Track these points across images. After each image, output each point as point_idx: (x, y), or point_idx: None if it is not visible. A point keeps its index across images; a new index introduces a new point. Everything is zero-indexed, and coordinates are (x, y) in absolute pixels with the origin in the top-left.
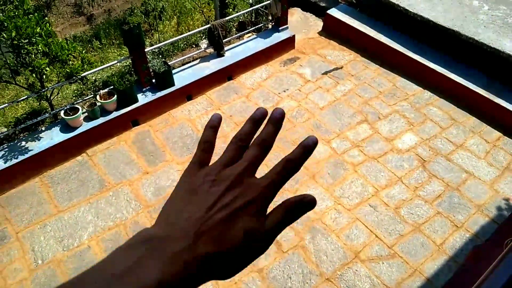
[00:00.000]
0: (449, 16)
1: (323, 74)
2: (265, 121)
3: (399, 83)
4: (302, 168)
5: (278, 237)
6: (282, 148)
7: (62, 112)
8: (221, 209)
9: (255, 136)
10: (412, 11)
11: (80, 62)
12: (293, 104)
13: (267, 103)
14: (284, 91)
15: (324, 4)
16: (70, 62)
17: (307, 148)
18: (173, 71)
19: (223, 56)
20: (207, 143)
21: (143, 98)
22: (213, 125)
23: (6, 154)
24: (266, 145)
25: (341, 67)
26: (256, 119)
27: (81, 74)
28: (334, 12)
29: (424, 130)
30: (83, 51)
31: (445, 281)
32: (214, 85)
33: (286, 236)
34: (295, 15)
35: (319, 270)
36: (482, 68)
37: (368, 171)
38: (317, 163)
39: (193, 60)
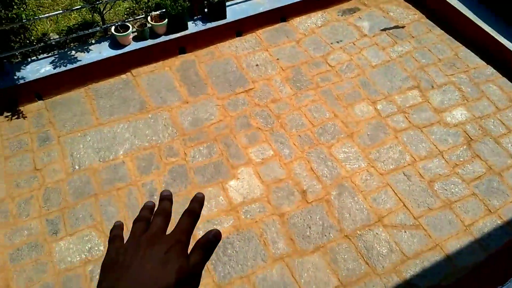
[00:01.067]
0: None
1: (381, 30)
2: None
3: (462, 54)
4: (341, 124)
5: (305, 187)
6: (325, 101)
7: (112, 28)
8: (151, 259)
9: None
10: None
11: None
12: (344, 57)
13: (317, 52)
14: (338, 42)
15: None
16: None
17: (200, 202)
18: (227, 4)
19: None
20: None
21: (193, 27)
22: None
23: (56, 60)
24: (166, 214)
25: (403, 27)
26: (150, 207)
27: None
28: None
29: (477, 108)
30: None
31: (468, 263)
32: (266, 24)
33: (313, 187)
34: None
35: (339, 226)
36: None
37: (409, 139)
38: (358, 123)
39: None
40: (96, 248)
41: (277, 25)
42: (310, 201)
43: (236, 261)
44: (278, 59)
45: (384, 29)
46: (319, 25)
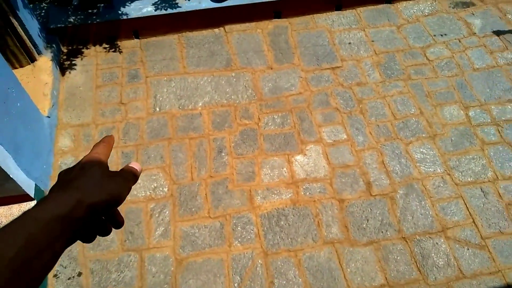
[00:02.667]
0: None
1: (494, 32)
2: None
3: None
4: (425, 123)
5: (372, 179)
6: (413, 95)
7: None
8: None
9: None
10: None
11: None
12: (445, 53)
13: (417, 42)
14: (442, 35)
15: None
16: None
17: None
18: None
19: None
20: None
21: None
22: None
23: (159, 2)
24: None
25: None
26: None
27: None
28: None
29: None
30: None
31: None
32: (370, 2)
33: (380, 181)
34: None
35: (399, 226)
36: None
37: (496, 154)
38: (444, 125)
39: None
40: (161, 189)
41: (380, 6)
42: (374, 194)
43: (287, 233)
44: (373, 41)
45: (498, 32)
46: (426, 13)
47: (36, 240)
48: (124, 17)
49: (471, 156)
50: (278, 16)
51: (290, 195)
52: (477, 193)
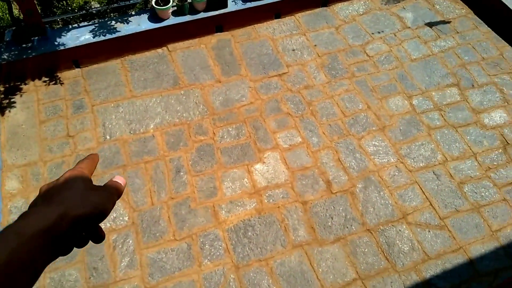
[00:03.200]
0: None
1: (425, 23)
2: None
3: (508, 54)
4: (373, 116)
5: (331, 177)
6: (359, 91)
7: (153, 1)
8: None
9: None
10: None
11: None
12: (383, 48)
13: (356, 41)
14: (378, 32)
15: None
16: None
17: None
18: None
19: None
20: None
21: (233, 5)
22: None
23: (96, 29)
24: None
25: (448, 22)
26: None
27: None
28: None
29: None
30: None
31: (491, 269)
32: (306, 7)
33: (339, 178)
34: None
35: (362, 219)
36: None
37: (443, 138)
38: (391, 116)
39: None
40: (121, 218)
41: (317, 10)
42: (334, 191)
43: (256, 244)
44: (315, 44)
45: (428, 23)
46: (361, 12)
47: (19, 256)
48: (62, 47)
49: (420, 143)
50: (220, 30)
51: (254, 204)
52: (430, 176)
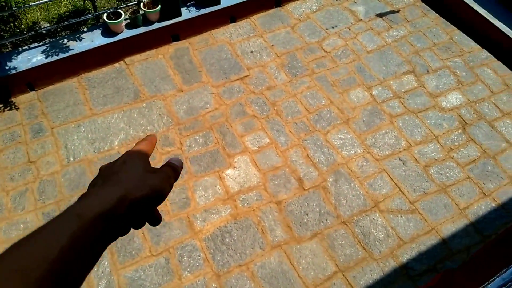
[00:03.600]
0: None
1: (377, 15)
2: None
3: (457, 37)
4: (337, 110)
5: (301, 174)
6: (320, 87)
7: (105, 15)
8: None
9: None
10: None
11: None
12: (339, 43)
13: (312, 38)
14: (333, 27)
15: None
16: None
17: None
18: None
19: None
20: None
21: (187, 13)
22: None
23: (48, 50)
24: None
25: (398, 11)
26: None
27: None
28: None
29: (472, 91)
30: None
31: (463, 246)
32: (261, 9)
33: (310, 174)
34: None
35: (336, 212)
36: None
37: (404, 124)
38: (354, 109)
39: None
40: None
41: (271, 11)
42: (306, 188)
43: (234, 249)
44: (273, 45)
45: (380, 14)
46: (314, 10)
47: (80, 239)
48: (13, 71)
49: (383, 131)
50: (177, 38)
51: (229, 210)
52: (396, 163)
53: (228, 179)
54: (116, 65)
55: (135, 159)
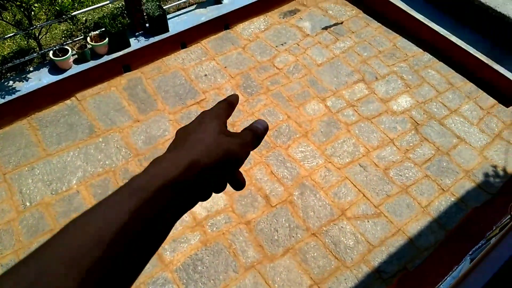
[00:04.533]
0: None
1: (323, 29)
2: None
3: (400, 43)
4: (295, 124)
5: (267, 191)
6: (277, 103)
7: (51, 53)
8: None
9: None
10: None
11: (70, 0)
12: (290, 59)
13: (264, 56)
14: (282, 44)
15: None
16: (60, 0)
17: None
18: (168, 16)
19: (221, 3)
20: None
21: (136, 43)
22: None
23: None
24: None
25: (342, 23)
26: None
27: (71, 13)
28: None
29: (420, 93)
30: None
31: (430, 243)
32: (210, 33)
33: (275, 191)
34: None
35: (305, 225)
36: (486, 34)
37: (361, 131)
38: (311, 121)
39: (189, 6)
40: None
41: (221, 33)
42: (274, 204)
43: (208, 276)
44: (226, 67)
45: (325, 28)
46: (262, 29)
47: (142, 214)
48: None
49: (342, 140)
50: (128, 69)
51: (198, 237)
52: (357, 169)
53: (195, 208)
54: (68, 102)
55: (212, 119)
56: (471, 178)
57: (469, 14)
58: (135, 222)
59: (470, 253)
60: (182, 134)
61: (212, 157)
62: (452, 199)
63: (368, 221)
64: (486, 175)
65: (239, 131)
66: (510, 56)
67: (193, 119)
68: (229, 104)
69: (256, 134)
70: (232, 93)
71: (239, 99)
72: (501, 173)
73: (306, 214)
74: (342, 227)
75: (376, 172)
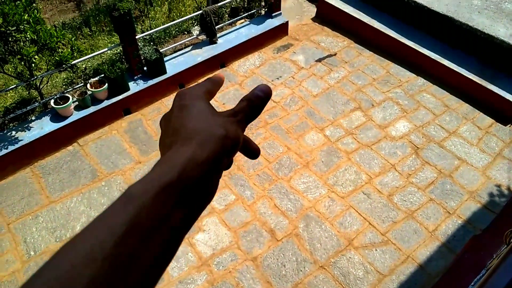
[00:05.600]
0: (443, 1)
1: (316, 61)
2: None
3: (393, 70)
4: (295, 156)
5: (272, 225)
6: (276, 136)
7: (52, 101)
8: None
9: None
10: None
11: (69, 49)
12: (286, 92)
13: None
14: (278, 78)
15: None
16: (60, 50)
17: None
18: (165, 59)
19: (216, 43)
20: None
21: (135, 86)
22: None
23: None
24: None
25: (335, 54)
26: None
27: (71, 62)
28: None
29: (417, 117)
30: (73, 39)
31: (440, 268)
32: (207, 72)
33: (280, 224)
34: (289, 0)
35: (313, 258)
36: (476, 54)
37: (361, 158)
38: (311, 152)
39: (185, 47)
40: None
41: (217, 72)
42: (279, 238)
43: None
44: (224, 103)
45: (319, 59)
46: (258, 65)
47: (140, 225)
48: None
49: (343, 168)
50: (128, 112)
51: (205, 277)
52: (361, 197)
53: (199, 244)
54: (70, 148)
55: (193, 100)
56: (476, 199)
57: (458, 37)
58: (132, 234)
59: (472, 284)
60: (167, 127)
61: (207, 148)
62: (459, 221)
63: (376, 250)
64: (491, 195)
65: (241, 165)
66: (502, 75)
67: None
68: (212, 82)
69: (252, 104)
70: None
71: None
72: (505, 192)
73: (313, 246)
74: (350, 257)
75: (380, 199)
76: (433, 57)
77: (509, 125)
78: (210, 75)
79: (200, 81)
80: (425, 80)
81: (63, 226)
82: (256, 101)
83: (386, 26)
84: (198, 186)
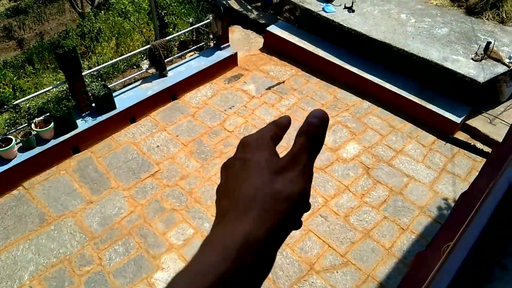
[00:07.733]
0: (380, 29)
1: (267, 89)
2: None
3: (340, 95)
4: None
5: None
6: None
7: None
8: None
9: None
10: (346, 25)
11: (11, 89)
12: (239, 121)
13: (214, 121)
14: (230, 108)
15: (263, 21)
16: (0, 90)
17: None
18: (114, 94)
19: (166, 76)
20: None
21: (83, 124)
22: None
23: None
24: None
25: (283, 82)
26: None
27: (13, 102)
28: (273, 28)
29: (365, 139)
30: (14, 78)
31: (399, 282)
32: (158, 105)
33: None
34: (236, 32)
35: (276, 286)
36: (414, 77)
37: (316, 182)
38: None
39: (134, 81)
40: None
41: (169, 104)
42: None
43: None
44: (177, 135)
45: (269, 88)
46: (209, 96)
47: None
48: None
49: None
50: (77, 150)
51: None
52: (319, 220)
53: (158, 284)
54: (14, 192)
55: (261, 152)
56: (426, 213)
57: (397, 61)
58: None
59: None
60: (227, 179)
61: (267, 220)
62: (413, 237)
63: (337, 272)
64: (439, 208)
65: (198, 197)
66: (440, 94)
67: (140, 200)
68: (277, 126)
69: (311, 136)
70: (187, 160)
71: (195, 166)
72: (452, 204)
73: (276, 274)
74: (312, 282)
75: (337, 221)
76: (375, 81)
77: (444, 143)
78: (275, 119)
79: (151, 114)
80: (370, 103)
81: (9, 277)
82: (314, 131)
83: (330, 54)
84: (257, 268)
